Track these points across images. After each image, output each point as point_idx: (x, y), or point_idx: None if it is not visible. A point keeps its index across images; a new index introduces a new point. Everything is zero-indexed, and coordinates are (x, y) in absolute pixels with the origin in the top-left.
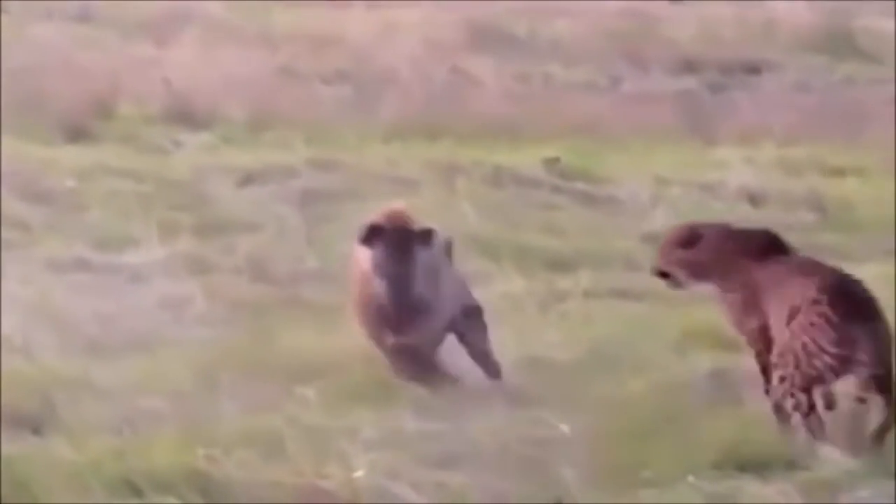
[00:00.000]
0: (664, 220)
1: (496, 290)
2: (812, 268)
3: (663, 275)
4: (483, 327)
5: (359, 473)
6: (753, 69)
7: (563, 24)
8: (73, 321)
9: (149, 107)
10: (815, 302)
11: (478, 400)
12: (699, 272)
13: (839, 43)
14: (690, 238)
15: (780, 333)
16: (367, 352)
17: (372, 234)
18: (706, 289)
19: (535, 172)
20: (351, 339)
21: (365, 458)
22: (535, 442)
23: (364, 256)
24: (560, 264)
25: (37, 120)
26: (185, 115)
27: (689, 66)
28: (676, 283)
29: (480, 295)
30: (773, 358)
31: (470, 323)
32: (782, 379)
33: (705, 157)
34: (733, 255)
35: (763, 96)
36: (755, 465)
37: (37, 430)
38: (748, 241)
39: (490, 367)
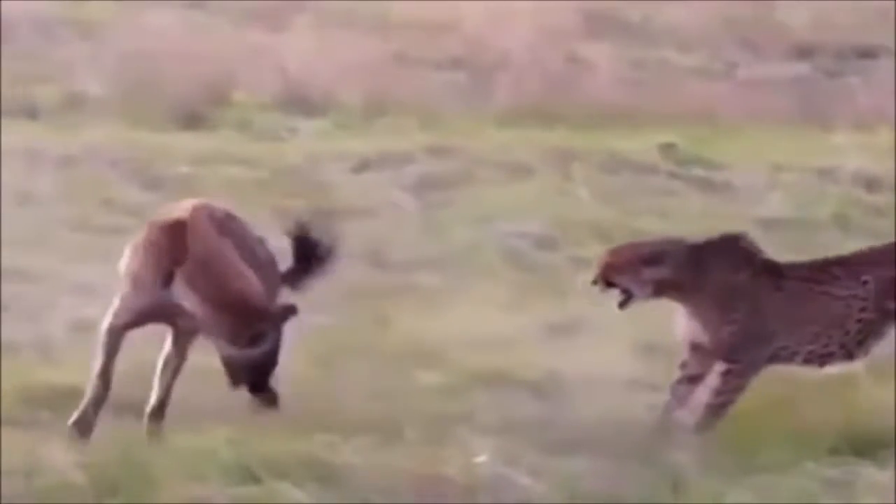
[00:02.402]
0: (779, 206)
1: None
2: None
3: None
4: None
5: (481, 459)
6: (868, 54)
7: (678, 9)
8: None
9: (263, 93)
10: None
11: (590, 384)
12: (667, 289)
13: None
14: (655, 256)
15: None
16: (483, 337)
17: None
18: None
19: (651, 158)
20: (466, 324)
21: (483, 443)
22: (652, 428)
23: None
24: None
25: (151, 107)
26: (300, 102)
27: (803, 52)
28: (627, 298)
29: None
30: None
31: None
32: None
33: (821, 142)
34: (706, 271)
35: (878, 81)
36: (871, 450)
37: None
38: (720, 252)
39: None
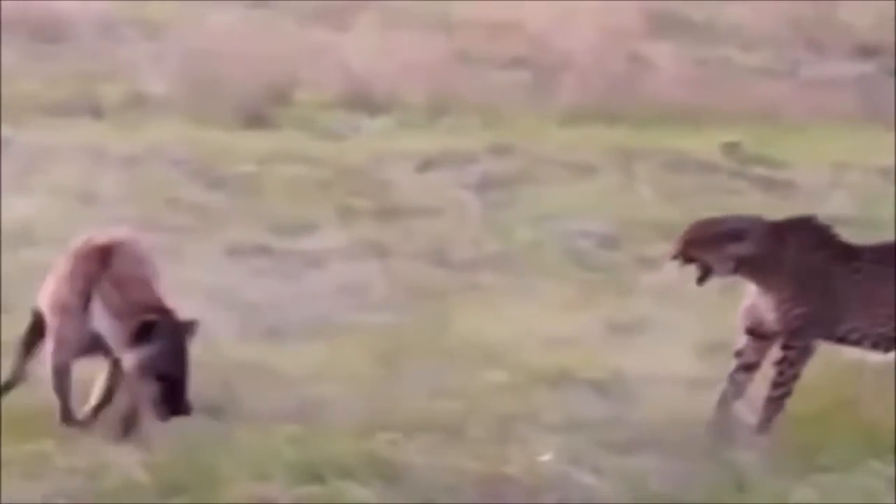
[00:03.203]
0: (842, 205)
1: (676, 274)
2: None
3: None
4: None
5: (544, 458)
6: None
7: (741, 8)
8: (252, 306)
9: (327, 92)
10: None
11: (653, 383)
12: (746, 266)
13: None
14: (736, 232)
15: None
16: (547, 336)
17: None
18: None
19: (714, 157)
20: (530, 323)
21: (547, 442)
22: (711, 420)
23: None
24: None
25: (215, 106)
26: (363, 101)
27: (867, 51)
28: (706, 274)
29: (660, 279)
30: None
31: None
32: None
33: (884, 141)
34: (785, 248)
35: None
36: None
37: (217, 416)
38: (798, 231)
39: None
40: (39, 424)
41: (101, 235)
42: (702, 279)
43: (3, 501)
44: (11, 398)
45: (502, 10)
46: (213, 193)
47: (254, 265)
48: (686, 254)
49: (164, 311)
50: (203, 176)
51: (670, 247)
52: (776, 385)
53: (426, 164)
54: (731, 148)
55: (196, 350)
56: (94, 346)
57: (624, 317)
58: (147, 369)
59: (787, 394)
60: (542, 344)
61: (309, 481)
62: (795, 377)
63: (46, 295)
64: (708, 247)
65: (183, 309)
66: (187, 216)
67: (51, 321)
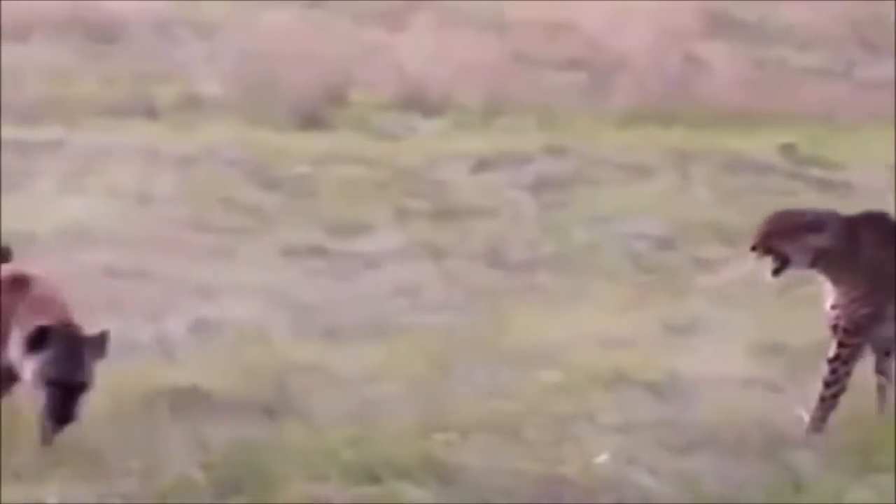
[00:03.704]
0: None
1: (732, 275)
2: None
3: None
4: None
5: (601, 458)
6: None
7: (796, 9)
8: (308, 307)
9: (382, 93)
10: None
11: (709, 384)
12: (823, 259)
13: None
14: (816, 224)
15: None
16: (603, 337)
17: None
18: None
19: (770, 158)
20: (585, 324)
21: (603, 443)
22: (773, 428)
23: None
24: None
25: (269, 106)
26: (419, 102)
27: None
28: (782, 267)
29: (716, 280)
30: None
31: None
32: None
33: None
34: (859, 243)
35: None
36: None
37: (273, 416)
38: (871, 226)
39: None
40: (94, 425)
41: (12, 268)
42: (777, 271)
43: (59, 502)
44: None
45: (558, 11)
46: (268, 194)
47: (309, 266)
48: (766, 245)
49: (68, 324)
50: (258, 177)
51: (750, 238)
52: (829, 384)
53: (481, 165)
54: (787, 149)
55: (251, 351)
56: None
57: (679, 318)
58: (40, 376)
59: (840, 391)
60: (598, 345)
61: (365, 482)
62: (848, 374)
63: None
64: (788, 237)
65: (237, 310)
66: (242, 217)
67: None
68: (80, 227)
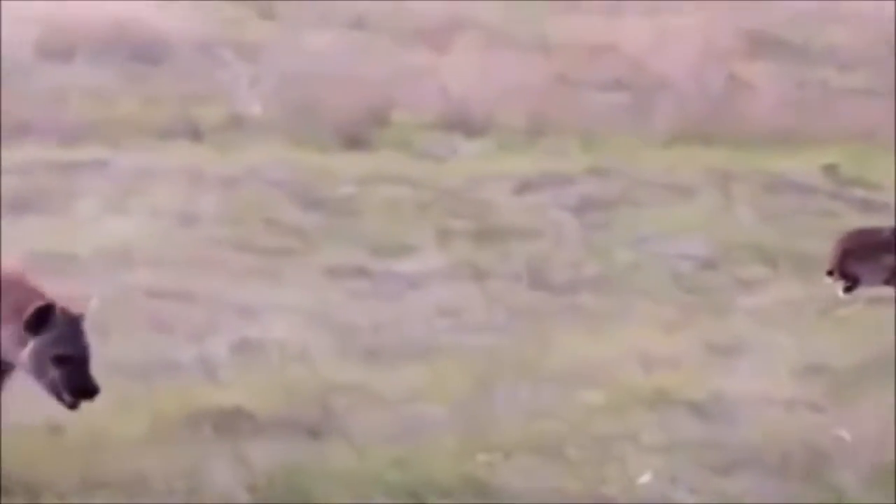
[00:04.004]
0: None
1: (775, 296)
2: None
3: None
4: None
5: (644, 479)
6: None
7: (839, 30)
8: (351, 328)
9: (424, 114)
10: None
11: (752, 404)
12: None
13: None
14: (889, 243)
15: None
16: (645, 357)
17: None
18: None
19: (812, 179)
20: (628, 344)
21: (646, 463)
22: (815, 448)
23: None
24: None
25: (312, 127)
26: (461, 123)
27: None
28: (854, 285)
29: (759, 301)
30: None
31: None
32: None
33: None
34: None
35: None
36: None
37: (316, 437)
38: None
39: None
40: (137, 446)
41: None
42: (849, 289)
43: None
44: (107, 419)
45: (600, 33)
46: (311, 215)
47: (352, 287)
48: (843, 266)
49: (55, 303)
50: (301, 197)
51: (828, 261)
52: None
53: (524, 186)
54: (829, 170)
55: (295, 371)
56: None
57: (722, 338)
58: (46, 355)
59: None
60: (641, 365)
61: (408, 502)
62: None
63: None
64: (865, 258)
65: (280, 330)
66: (286, 238)
67: None
68: (123, 248)
